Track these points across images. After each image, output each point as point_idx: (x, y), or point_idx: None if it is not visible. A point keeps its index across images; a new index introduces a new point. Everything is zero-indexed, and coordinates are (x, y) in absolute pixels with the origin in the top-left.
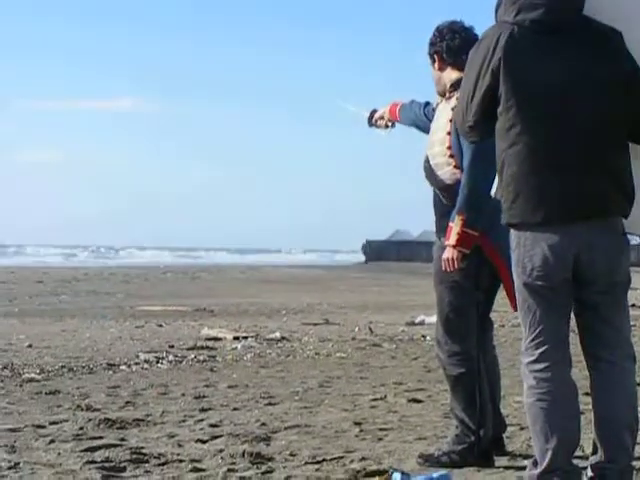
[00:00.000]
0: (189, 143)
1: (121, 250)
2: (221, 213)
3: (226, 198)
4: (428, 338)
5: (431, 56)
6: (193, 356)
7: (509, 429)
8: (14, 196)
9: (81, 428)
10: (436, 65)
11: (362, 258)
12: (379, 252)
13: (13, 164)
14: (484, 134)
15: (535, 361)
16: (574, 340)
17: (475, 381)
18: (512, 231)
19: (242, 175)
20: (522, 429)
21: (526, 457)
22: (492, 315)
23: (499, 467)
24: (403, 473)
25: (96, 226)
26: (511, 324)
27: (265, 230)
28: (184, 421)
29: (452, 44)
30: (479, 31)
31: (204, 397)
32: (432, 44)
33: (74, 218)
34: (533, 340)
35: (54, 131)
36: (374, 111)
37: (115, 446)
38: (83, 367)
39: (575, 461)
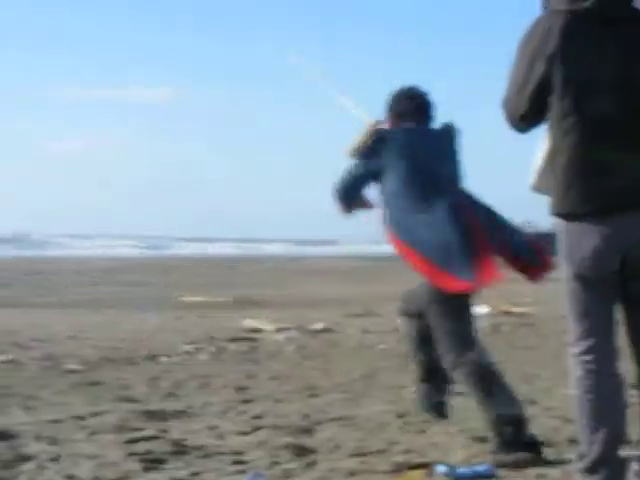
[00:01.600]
0: (235, 133)
1: (160, 240)
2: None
3: (264, 187)
4: None
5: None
6: (234, 347)
7: (554, 422)
8: (56, 185)
9: (122, 420)
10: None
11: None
12: None
13: (50, 152)
14: (534, 124)
15: (583, 352)
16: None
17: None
18: (560, 221)
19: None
20: (568, 422)
21: (572, 450)
22: (540, 306)
23: (545, 460)
24: (447, 465)
25: (132, 216)
26: (557, 315)
27: (310, 219)
28: (226, 413)
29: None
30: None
31: (246, 389)
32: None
33: (110, 207)
34: (581, 331)
35: (93, 120)
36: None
37: (156, 438)
38: (124, 358)
39: (621, 453)
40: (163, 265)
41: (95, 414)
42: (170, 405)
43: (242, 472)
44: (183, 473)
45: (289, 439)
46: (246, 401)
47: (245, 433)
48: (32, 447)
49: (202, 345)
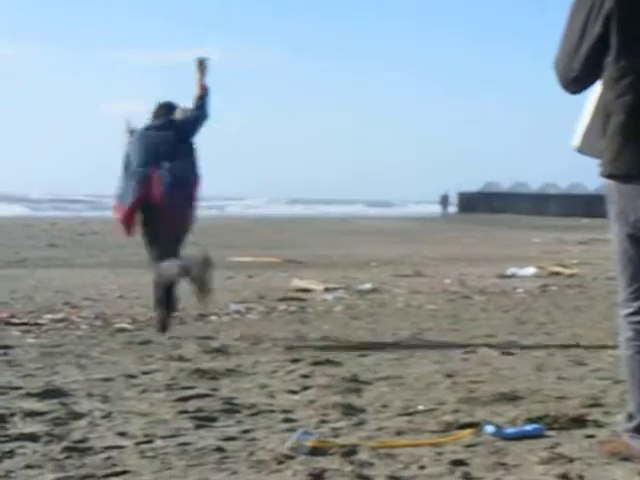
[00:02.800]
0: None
1: (213, 201)
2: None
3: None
4: (519, 290)
5: None
6: (284, 307)
7: (603, 382)
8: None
9: (173, 378)
10: None
11: (440, 210)
12: (469, 204)
13: (99, 114)
14: (586, 85)
15: (634, 313)
16: None
17: None
18: (612, 183)
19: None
20: (617, 383)
21: (621, 411)
22: (587, 268)
23: (592, 421)
24: (495, 425)
25: None
26: (604, 277)
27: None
28: (275, 372)
29: None
30: None
31: (295, 348)
32: None
33: None
34: (632, 292)
35: (142, 82)
36: None
37: (207, 396)
38: (174, 317)
39: None
40: (214, 225)
41: (146, 372)
42: (220, 364)
43: (291, 430)
44: (233, 431)
45: (338, 398)
46: (295, 360)
47: (294, 392)
48: (84, 405)
49: (252, 305)
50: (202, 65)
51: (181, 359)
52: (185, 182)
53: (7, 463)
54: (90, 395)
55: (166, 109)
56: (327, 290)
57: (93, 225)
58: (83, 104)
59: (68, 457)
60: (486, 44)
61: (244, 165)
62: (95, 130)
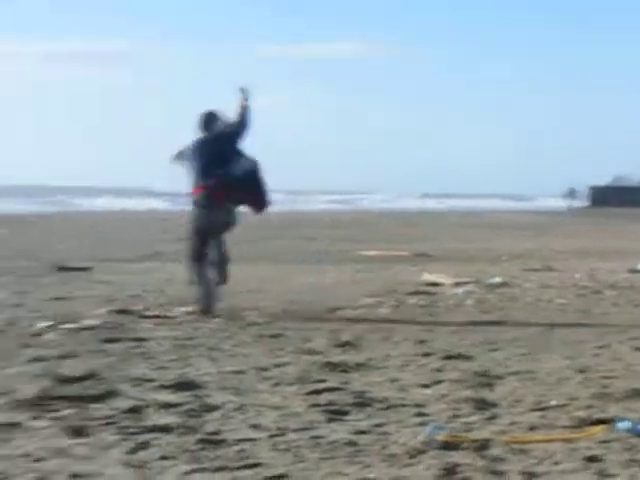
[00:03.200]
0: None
1: (331, 194)
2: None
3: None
4: None
5: None
6: (414, 301)
7: None
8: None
9: (304, 371)
10: None
11: (565, 204)
12: (600, 198)
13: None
14: None
15: None
16: None
17: None
18: None
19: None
20: None
21: None
22: None
23: None
24: (630, 421)
25: (302, 170)
26: None
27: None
28: (406, 365)
29: None
30: None
31: (426, 342)
32: None
33: (281, 161)
34: None
35: (274, 76)
36: None
37: (338, 389)
38: (304, 311)
39: None
40: (345, 219)
41: (277, 365)
42: (351, 357)
43: (423, 424)
44: (365, 424)
45: (469, 392)
46: (426, 354)
47: (426, 386)
48: (217, 397)
49: (382, 298)
50: (244, 92)
51: (312, 352)
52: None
53: (142, 454)
54: (223, 387)
55: (210, 119)
56: (457, 284)
57: None
58: (208, 100)
59: (202, 449)
60: (607, 36)
61: (376, 159)
62: None
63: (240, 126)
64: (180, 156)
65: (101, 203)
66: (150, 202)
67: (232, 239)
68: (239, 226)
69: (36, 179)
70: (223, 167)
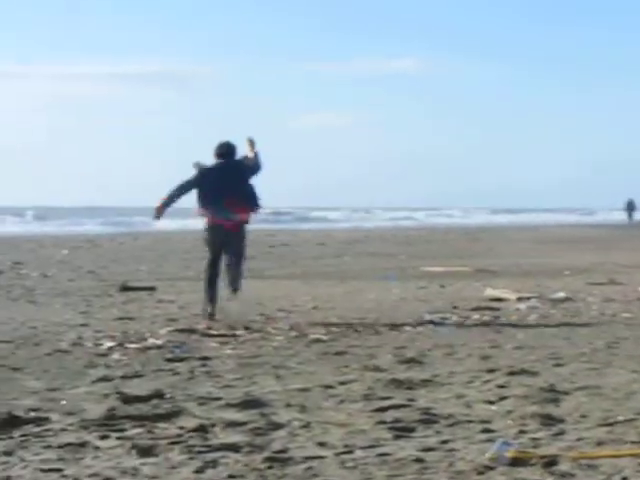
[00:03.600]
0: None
1: (396, 211)
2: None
3: (485, 158)
4: None
5: None
6: (477, 316)
7: None
8: (298, 160)
9: (369, 388)
10: None
11: (624, 217)
12: None
13: (289, 129)
14: None
15: None
16: None
17: None
18: None
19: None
20: None
21: None
22: None
23: None
24: None
25: (367, 188)
26: None
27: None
28: (471, 382)
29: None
30: None
31: (490, 358)
32: None
33: (347, 179)
34: None
35: (329, 94)
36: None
37: (404, 406)
38: (368, 328)
39: None
40: (404, 235)
41: (342, 383)
42: (416, 374)
43: (490, 441)
44: (432, 441)
45: (535, 408)
46: (491, 370)
47: (491, 402)
48: (283, 415)
49: (445, 314)
50: (251, 142)
51: (377, 369)
52: (241, 211)
53: (210, 473)
54: (288, 405)
55: (227, 148)
56: (520, 299)
57: (281, 237)
58: (272, 119)
59: (269, 467)
60: None
61: (442, 175)
62: (286, 145)
63: (257, 167)
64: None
65: (163, 223)
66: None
67: (295, 256)
68: (301, 244)
69: (98, 201)
70: (238, 191)
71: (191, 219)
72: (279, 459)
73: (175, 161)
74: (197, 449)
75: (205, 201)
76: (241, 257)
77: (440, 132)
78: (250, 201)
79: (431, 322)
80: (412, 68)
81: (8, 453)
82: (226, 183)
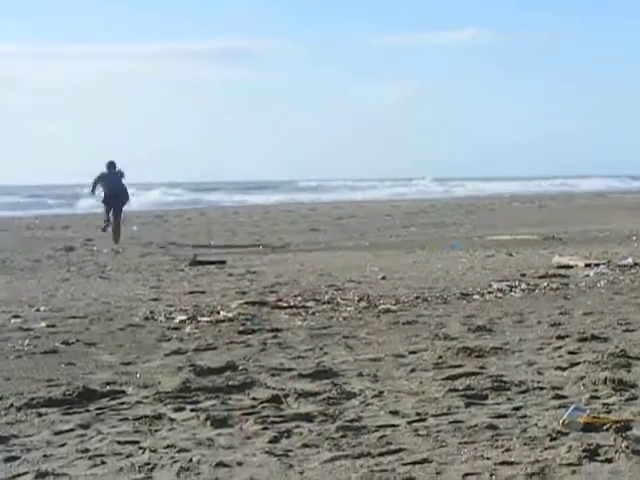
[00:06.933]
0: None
1: (465, 181)
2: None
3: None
4: None
5: None
6: (546, 284)
7: None
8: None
9: (440, 357)
10: None
11: None
12: None
13: (351, 102)
14: None
15: None
16: None
17: None
18: None
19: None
20: None
21: None
22: None
23: None
24: None
25: (439, 159)
26: None
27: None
28: (542, 349)
29: None
30: None
31: (560, 324)
32: None
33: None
34: None
35: (399, 65)
36: None
37: (475, 374)
38: (437, 297)
39: None
40: (470, 204)
41: (413, 352)
42: (486, 342)
43: (562, 407)
44: (504, 408)
45: (607, 374)
46: (561, 337)
47: (562, 368)
48: (355, 384)
49: (514, 283)
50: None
51: (447, 338)
52: (123, 195)
53: (284, 442)
54: (360, 375)
55: (113, 164)
56: (588, 266)
57: (348, 209)
58: (329, 92)
59: (343, 436)
60: None
61: (505, 143)
62: (343, 115)
63: (123, 175)
64: (100, 179)
65: (238, 198)
66: (272, 196)
67: (359, 228)
68: (368, 215)
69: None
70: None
71: (255, 195)
72: (352, 428)
73: (244, 135)
74: (271, 419)
75: (106, 188)
76: (120, 216)
77: (503, 98)
78: (125, 193)
79: (499, 290)
80: (470, 38)
81: (85, 426)
82: (115, 181)
